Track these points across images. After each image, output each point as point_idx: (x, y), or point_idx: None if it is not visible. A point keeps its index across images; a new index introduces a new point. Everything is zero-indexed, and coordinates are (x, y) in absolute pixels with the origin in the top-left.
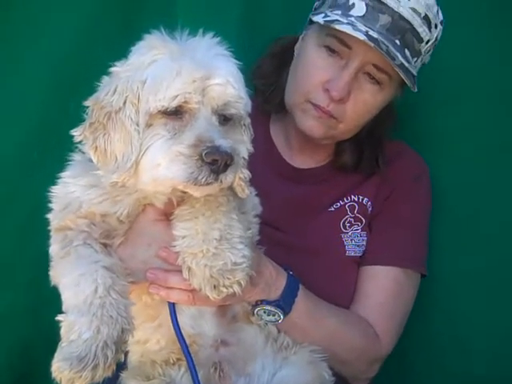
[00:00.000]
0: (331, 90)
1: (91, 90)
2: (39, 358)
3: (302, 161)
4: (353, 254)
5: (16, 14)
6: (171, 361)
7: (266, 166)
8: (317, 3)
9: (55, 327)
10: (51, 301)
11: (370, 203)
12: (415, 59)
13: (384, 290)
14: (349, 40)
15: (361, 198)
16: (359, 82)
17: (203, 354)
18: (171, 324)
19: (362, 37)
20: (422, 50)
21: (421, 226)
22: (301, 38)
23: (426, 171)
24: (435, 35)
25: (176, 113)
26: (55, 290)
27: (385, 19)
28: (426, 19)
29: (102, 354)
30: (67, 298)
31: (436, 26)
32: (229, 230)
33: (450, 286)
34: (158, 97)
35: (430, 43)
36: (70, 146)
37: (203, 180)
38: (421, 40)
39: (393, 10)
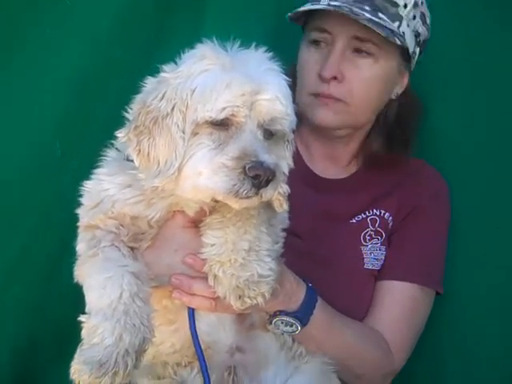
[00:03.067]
0: (322, 71)
1: (115, 89)
2: (46, 353)
3: (325, 169)
4: (371, 267)
5: (43, 15)
6: (183, 363)
7: (290, 172)
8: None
9: (62, 323)
10: (60, 297)
11: (391, 218)
12: (397, 23)
13: (399, 305)
14: (325, 24)
15: (383, 212)
16: (351, 60)
17: (217, 359)
18: (188, 329)
19: (320, 7)
20: (403, 14)
21: (439, 243)
22: None
23: (445, 188)
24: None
25: (222, 124)
26: (64, 287)
27: None
28: None
29: (123, 361)
30: (92, 299)
31: None
32: (258, 243)
33: (462, 304)
34: (207, 107)
35: (408, 7)
36: (93, 142)
37: (244, 193)
38: (395, 4)
39: None
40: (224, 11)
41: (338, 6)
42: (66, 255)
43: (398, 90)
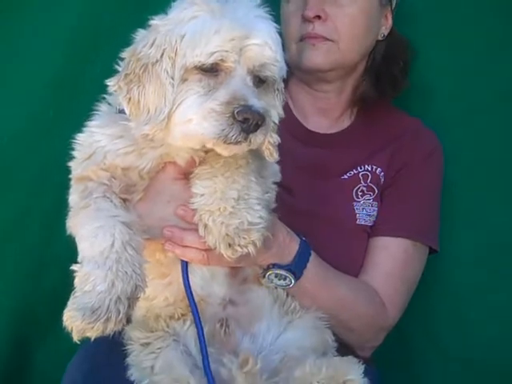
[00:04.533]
0: (304, 12)
1: (108, 49)
2: (43, 319)
3: (317, 123)
4: (363, 223)
5: None
6: (176, 316)
7: (281, 126)
8: None
9: (58, 290)
10: (55, 263)
11: (382, 174)
12: None
13: (393, 261)
14: None
15: (374, 167)
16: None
17: (210, 311)
18: (181, 282)
19: None
20: None
21: (432, 200)
22: None
23: (439, 148)
24: None
25: (212, 70)
26: (61, 247)
27: None
28: None
29: (115, 307)
30: (84, 248)
31: None
32: (247, 191)
33: (457, 263)
34: (196, 52)
35: None
36: (87, 104)
37: (233, 138)
38: None
39: None
40: None
41: None
42: (62, 216)
43: (384, 31)
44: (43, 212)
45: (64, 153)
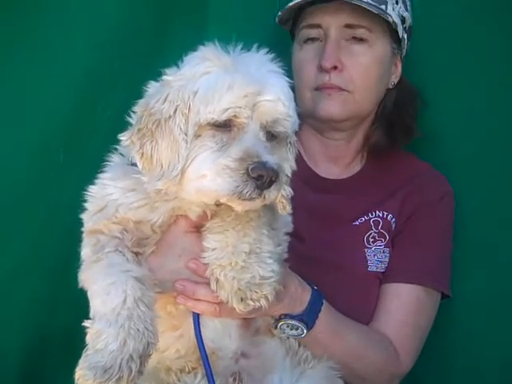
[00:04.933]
0: (321, 62)
1: (118, 96)
2: (55, 354)
3: (327, 170)
4: (375, 270)
5: (50, 16)
6: (187, 369)
7: (292, 174)
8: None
9: (72, 326)
10: (68, 300)
11: (394, 220)
12: (383, 6)
13: (405, 308)
14: (315, 19)
15: (385, 213)
16: (347, 49)
17: (222, 365)
18: (193, 334)
19: None
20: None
21: (443, 246)
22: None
23: (450, 192)
24: None
25: (225, 125)
26: (74, 288)
27: None
28: None
29: (127, 366)
30: (96, 305)
31: None
32: (258, 245)
33: (470, 307)
34: (209, 109)
35: None
36: (96, 148)
37: (247, 194)
38: None
39: None
40: (226, 17)
41: None
42: (72, 261)
43: (394, 79)
44: (52, 256)
45: (73, 198)
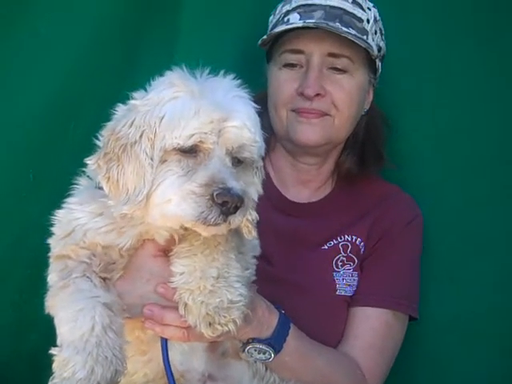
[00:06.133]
0: (304, 89)
1: (90, 112)
2: (20, 380)
3: (297, 193)
4: (343, 294)
5: (21, 30)
6: None
7: (261, 198)
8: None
9: (38, 350)
10: (34, 323)
11: (362, 244)
12: (365, 36)
13: (373, 332)
14: (298, 45)
15: (354, 238)
16: (328, 77)
17: None
18: (161, 359)
19: (299, 24)
20: (368, 29)
21: (412, 269)
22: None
23: (418, 216)
24: (372, 15)
25: (191, 151)
26: (41, 313)
27: (319, 13)
28: (356, 3)
29: None
30: (63, 332)
31: (369, 8)
32: (226, 269)
33: (436, 330)
34: (175, 134)
35: (370, 22)
36: (67, 169)
37: (212, 220)
38: (360, 20)
39: (322, 4)
40: (197, 32)
41: (316, 23)
42: (38, 284)
43: (366, 105)
44: (20, 274)
45: (42, 217)
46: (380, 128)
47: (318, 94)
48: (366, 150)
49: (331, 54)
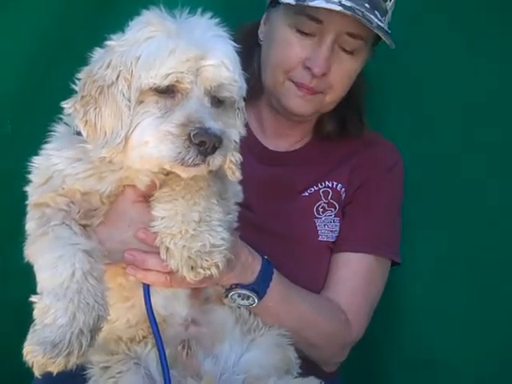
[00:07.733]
0: (312, 67)
1: (68, 62)
2: (2, 328)
3: (276, 144)
4: (325, 240)
5: None
6: (137, 338)
7: (241, 148)
8: None
9: (21, 298)
10: (18, 271)
11: (343, 189)
12: (384, 18)
13: (356, 277)
14: (319, 14)
15: (335, 183)
16: (337, 55)
17: (172, 332)
18: (143, 304)
19: (337, 8)
20: (388, 8)
21: (393, 214)
22: (262, 22)
23: (399, 161)
24: None
25: (168, 91)
26: (22, 261)
27: None
28: None
29: (77, 341)
30: (43, 279)
31: None
32: (208, 213)
33: (417, 274)
34: (151, 74)
35: (392, 0)
36: (45, 119)
37: (190, 161)
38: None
39: None
40: None
41: (351, 8)
42: (21, 234)
43: None
44: (1, 225)
45: (21, 169)
46: (362, 96)
47: (323, 74)
48: (347, 118)
49: (349, 34)
